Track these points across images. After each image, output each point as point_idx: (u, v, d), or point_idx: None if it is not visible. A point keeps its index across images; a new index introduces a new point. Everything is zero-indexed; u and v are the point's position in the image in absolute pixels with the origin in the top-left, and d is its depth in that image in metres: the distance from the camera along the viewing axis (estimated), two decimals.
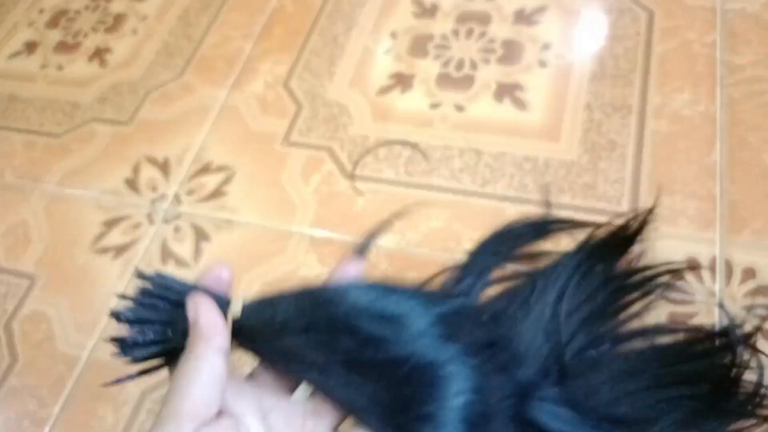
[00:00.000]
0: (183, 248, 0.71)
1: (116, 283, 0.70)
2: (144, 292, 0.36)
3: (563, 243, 0.60)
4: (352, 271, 0.41)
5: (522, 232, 0.61)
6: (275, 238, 0.69)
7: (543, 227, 0.60)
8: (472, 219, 0.66)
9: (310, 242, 0.68)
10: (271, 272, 0.67)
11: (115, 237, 0.73)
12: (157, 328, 0.36)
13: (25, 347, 0.67)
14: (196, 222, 0.72)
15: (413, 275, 0.63)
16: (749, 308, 0.56)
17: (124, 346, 0.35)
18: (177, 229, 0.72)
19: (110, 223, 0.74)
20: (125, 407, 0.61)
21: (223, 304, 0.37)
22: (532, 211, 0.65)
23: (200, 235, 0.71)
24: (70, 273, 0.72)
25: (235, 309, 0.38)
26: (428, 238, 0.66)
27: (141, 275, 0.37)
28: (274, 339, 0.39)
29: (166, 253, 0.71)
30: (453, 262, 0.62)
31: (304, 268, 0.67)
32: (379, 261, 0.65)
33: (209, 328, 0.35)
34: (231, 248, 0.70)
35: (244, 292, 0.66)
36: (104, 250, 0.72)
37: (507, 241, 0.61)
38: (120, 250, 0.72)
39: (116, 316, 0.35)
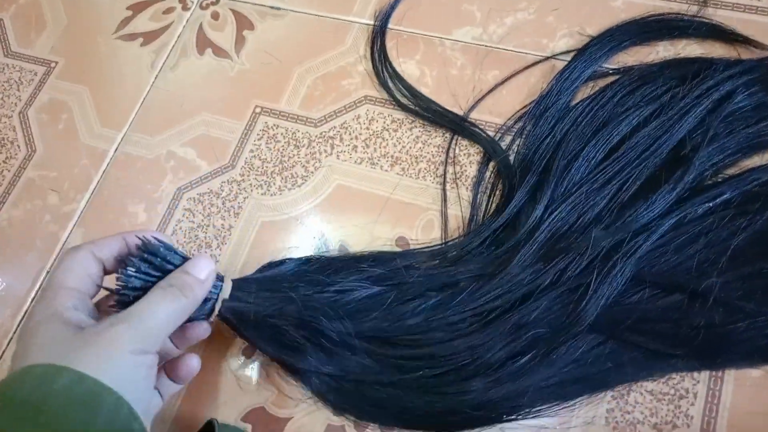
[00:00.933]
0: (223, 37, 0.61)
1: (148, 74, 0.60)
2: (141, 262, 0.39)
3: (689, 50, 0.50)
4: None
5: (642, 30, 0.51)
6: (331, 28, 0.59)
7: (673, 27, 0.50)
8: (570, 12, 0.55)
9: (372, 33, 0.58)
10: (326, 66, 0.57)
11: (143, 22, 0.63)
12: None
13: (44, 138, 0.59)
14: (237, 8, 0.62)
15: (494, 74, 0.54)
16: None
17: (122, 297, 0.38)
18: (215, 16, 0.62)
19: (137, 7, 0.64)
20: (159, 205, 0.54)
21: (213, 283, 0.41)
22: (657, 4, 0.54)
23: (242, 23, 0.61)
24: (92, 60, 0.62)
25: (225, 289, 0.42)
26: (515, 32, 0.55)
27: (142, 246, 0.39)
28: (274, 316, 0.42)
29: (203, 42, 0.61)
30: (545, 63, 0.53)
31: (365, 62, 0.57)
32: (454, 56, 0.55)
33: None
34: (278, 38, 0.60)
35: (294, 86, 0.56)
36: (131, 37, 0.63)
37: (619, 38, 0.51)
38: (149, 36, 0.62)
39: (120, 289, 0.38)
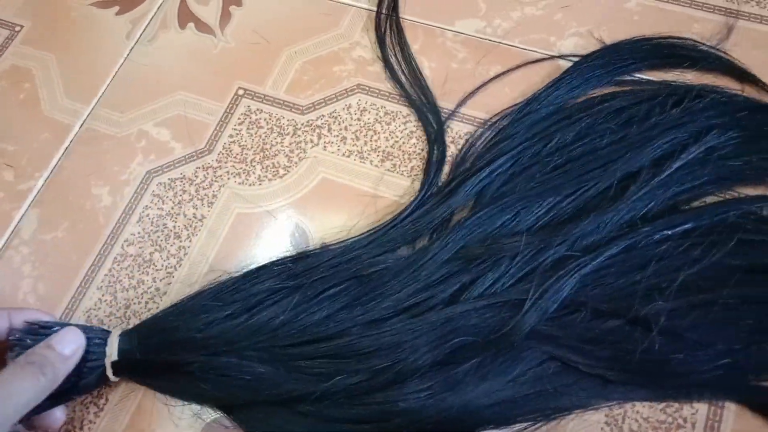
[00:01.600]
0: (207, 11, 0.56)
1: (123, 45, 0.55)
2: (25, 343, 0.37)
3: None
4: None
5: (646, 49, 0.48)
6: (326, 9, 0.55)
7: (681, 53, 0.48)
8: (581, 10, 0.52)
9: (369, 18, 0.54)
10: (317, 49, 0.53)
11: None
12: None
13: (3, 108, 0.54)
14: None
15: (496, 70, 0.50)
16: None
17: None
18: None
19: None
20: (127, 188, 0.49)
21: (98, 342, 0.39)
22: (666, 7, 0.51)
23: None
24: (62, 26, 0.57)
25: (111, 348, 0.39)
26: (521, 28, 0.52)
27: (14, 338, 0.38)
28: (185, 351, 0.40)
29: (186, 15, 0.56)
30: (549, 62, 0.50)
31: (360, 48, 0.53)
32: (456, 48, 0.52)
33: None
34: (267, 17, 0.55)
35: (282, 69, 0.52)
36: (106, 4, 0.58)
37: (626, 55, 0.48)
38: (127, 5, 0.57)
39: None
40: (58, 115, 0.53)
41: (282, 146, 0.49)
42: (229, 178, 0.48)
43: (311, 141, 0.49)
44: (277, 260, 0.43)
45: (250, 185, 0.48)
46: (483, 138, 0.47)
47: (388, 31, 0.53)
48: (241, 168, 0.49)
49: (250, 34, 0.55)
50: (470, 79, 0.50)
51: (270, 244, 0.46)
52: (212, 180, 0.49)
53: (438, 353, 0.39)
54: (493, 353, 0.39)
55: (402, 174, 0.47)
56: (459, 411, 0.38)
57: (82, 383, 0.39)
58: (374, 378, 0.38)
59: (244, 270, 0.43)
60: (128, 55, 0.55)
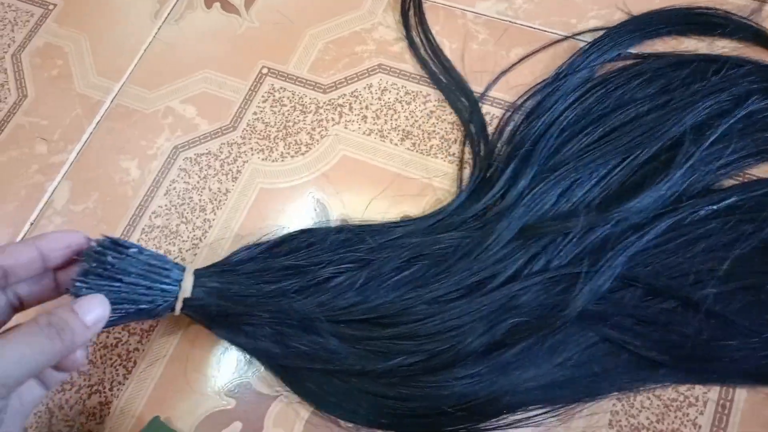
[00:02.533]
0: None
1: (151, 24, 0.57)
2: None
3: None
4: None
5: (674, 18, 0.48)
6: None
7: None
8: None
9: None
10: (339, 29, 0.54)
11: None
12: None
13: (36, 84, 0.56)
14: None
15: (517, 52, 0.51)
16: None
17: None
18: None
19: None
20: (154, 162, 0.51)
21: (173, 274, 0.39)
22: None
23: None
24: (92, 5, 0.59)
25: (186, 285, 0.39)
26: (542, 9, 0.52)
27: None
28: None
29: None
30: (570, 43, 0.50)
31: (382, 28, 0.54)
32: (477, 30, 0.52)
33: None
34: None
35: (305, 49, 0.53)
36: None
37: (651, 25, 0.48)
38: None
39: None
40: (90, 91, 0.55)
41: (304, 124, 0.50)
42: (252, 155, 0.50)
43: (333, 119, 0.50)
44: (344, 228, 0.44)
45: (273, 161, 0.49)
46: (518, 114, 0.48)
47: (411, 12, 0.53)
48: (264, 144, 0.50)
49: (274, 14, 0.56)
50: (491, 60, 0.51)
51: (292, 219, 0.47)
52: (236, 156, 0.50)
53: (493, 334, 0.39)
54: (543, 335, 0.39)
55: (421, 153, 0.48)
56: (507, 393, 0.38)
57: (146, 310, 0.38)
58: (431, 359, 0.39)
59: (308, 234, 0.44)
60: (156, 34, 0.57)
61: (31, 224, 0.50)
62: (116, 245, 0.37)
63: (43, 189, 0.51)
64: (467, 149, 0.48)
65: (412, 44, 0.52)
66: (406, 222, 0.44)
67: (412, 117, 0.50)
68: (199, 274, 0.40)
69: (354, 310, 0.40)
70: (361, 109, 0.51)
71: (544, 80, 0.49)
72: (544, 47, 0.51)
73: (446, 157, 0.48)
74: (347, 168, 0.48)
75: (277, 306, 0.40)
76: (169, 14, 0.57)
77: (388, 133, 0.49)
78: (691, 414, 0.39)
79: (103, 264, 0.36)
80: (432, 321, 0.39)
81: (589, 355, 0.39)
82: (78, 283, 0.35)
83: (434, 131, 0.49)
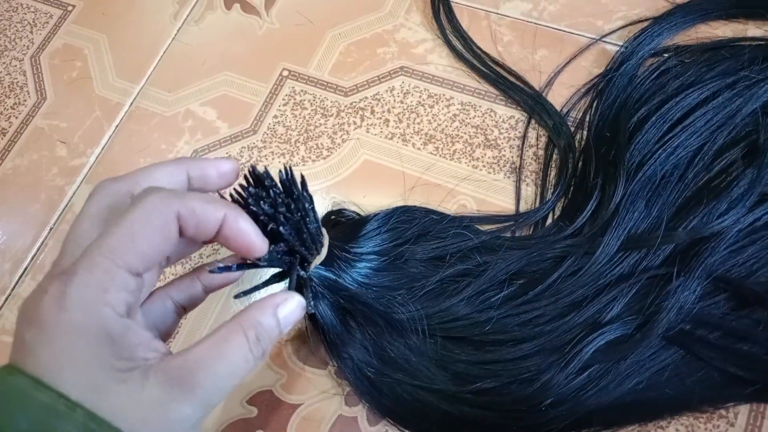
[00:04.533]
0: None
1: (170, 26, 0.56)
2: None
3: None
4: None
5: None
6: None
7: None
8: None
9: (413, 0, 0.54)
10: (361, 31, 0.53)
11: None
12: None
13: (56, 86, 0.55)
14: None
15: (542, 54, 0.50)
16: None
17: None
18: None
19: None
20: None
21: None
22: None
23: None
24: (111, 7, 0.58)
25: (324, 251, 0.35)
26: (568, 11, 0.51)
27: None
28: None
29: None
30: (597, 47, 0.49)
31: (404, 30, 0.53)
32: (501, 32, 0.51)
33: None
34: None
35: (326, 51, 0.53)
36: None
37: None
38: None
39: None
40: (109, 93, 0.54)
41: (325, 127, 0.50)
42: (273, 159, 0.49)
43: (354, 123, 0.50)
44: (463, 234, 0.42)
45: (294, 165, 0.49)
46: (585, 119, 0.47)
47: (441, 13, 0.52)
48: (285, 148, 0.50)
49: (294, 16, 0.55)
50: (516, 62, 0.50)
51: None
52: (257, 160, 0.49)
53: (582, 357, 0.37)
54: (633, 349, 0.37)
55: (444, 157, 0.47)
56: (598, 412, 0.36)
57: (278, 264, 0.33)
58: (520, 384, 0.37)
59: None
60: (175, 35, 0.56)
61: (51, 229, 0.49)
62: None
63: (63, 192, 0.51)
64: (528, 153, 0.47)
65: (451, 47, 0.51)
66: (508, 237, 0.43)
67: (435, 120, 0.49)
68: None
69: (456, 326, 0.38)
70: (383, 112, 0.50)
71: (596, 76, 0.48)
72: (586, 47, 0.49)
73: (470, 161, 0.47)
74: (369, 172, 0.48)
75: (385, 303, 0.38)
76: (188, 15, 0.57)
77: (411, 137, 0.49)
78: (721, 426, 0.38)
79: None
80: (528, 345, 0.38)
81: (673, 371, 0.37)
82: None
83: (458, 135, 0.48)
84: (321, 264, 0.36)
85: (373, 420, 0.40)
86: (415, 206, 0.44)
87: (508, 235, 0.43)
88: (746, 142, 0.41)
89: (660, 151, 0.41)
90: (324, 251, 0.36)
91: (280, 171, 0.32)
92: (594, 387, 0.36)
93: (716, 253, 0.38)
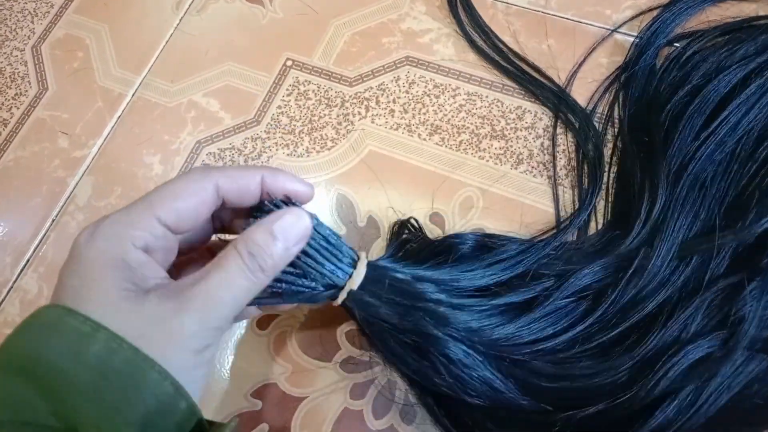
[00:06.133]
0: None
1: (172, 16, 0.56)
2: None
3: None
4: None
5: None
6: None
7: None
8: None
9: None
10: (365, 20, 0.53)
11: None
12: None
13: (57, 76, 0.55)
14: None
15: (550, 44, 0.49)
16: None
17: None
18: None
19: None
20: (177, 157, 0.50)
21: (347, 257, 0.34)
22: None
23: None
24: None
25: (357, 275, 0.34)
26: (575, 0, 0.51)
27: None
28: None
29: None
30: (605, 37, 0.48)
31: (409, 20, 0.52)
32: (510, 20, 0.51)
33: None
34: None
35: (330, 40, 0.52)
36: None
37: None
38: None
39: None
40: (111, 84, 0.54)
41: (330, 118, 0.49)
42: (277, 150, 0.49)
43: (359, 113, 0.49)
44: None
45: (298, 157, 0.48)
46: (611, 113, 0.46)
47: (458, 6, 0.52)
48: (289, 139, 0.49)
49: (298, 5, 0.54)
50: (533, 56, 0.49)
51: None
52: (261, 151, 0.49)
53: (669, 379, 0.33)
54: (722, 366, 0.34)
55: (450, 148, 0.47)
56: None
57: (307, 291, 0.33)
58: (606, 411, 0.34)
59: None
60: (178, 25, 0.55)
61: (53, 221, 0.49)
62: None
63: (65, 184, 0.50)
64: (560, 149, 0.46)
65: (469, 40, 0.50)
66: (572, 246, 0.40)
67: (440, 111, 0.48)
68: (371, 265, 0.35)
69: (526, 352, 0.36)
70: (388, 102, 0.49)
71: (616, 69, 0.47)
72: (602, 39, 0.49)
73: (475, 152, 0.46)
74: (374, 164, 0.47)
75: (444, 321, 0.35)
76: (191, 5, 0.56)
77: (416, 127, 0.48)
78: None
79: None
80: (602, 377, 0.34)
81: (762, 383, 0.34)
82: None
83: (464, 126, 0.47)
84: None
85: (378, 413, 0.39)
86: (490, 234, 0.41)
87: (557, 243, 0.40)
88: None
89: (701, 150, 0.40)
90: (359, 273, 0.34)
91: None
92: (688, 411, 0.33)
93: None
